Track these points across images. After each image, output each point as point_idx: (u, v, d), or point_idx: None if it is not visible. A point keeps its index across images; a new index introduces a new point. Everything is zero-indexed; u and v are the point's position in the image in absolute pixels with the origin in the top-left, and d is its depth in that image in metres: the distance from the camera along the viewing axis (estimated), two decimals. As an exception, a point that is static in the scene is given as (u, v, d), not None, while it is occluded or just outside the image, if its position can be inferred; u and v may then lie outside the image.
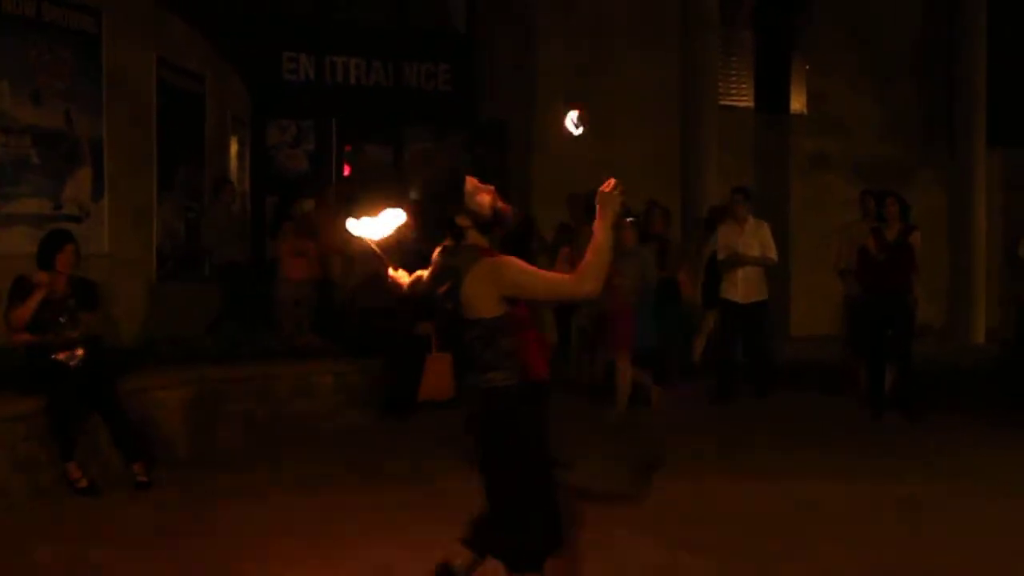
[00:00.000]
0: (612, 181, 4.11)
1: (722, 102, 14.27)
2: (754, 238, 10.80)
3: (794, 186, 14.96)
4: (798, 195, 14.88)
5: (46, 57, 9.19)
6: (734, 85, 14.83)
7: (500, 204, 4.27)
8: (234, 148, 13.41)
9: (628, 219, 9.53)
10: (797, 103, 15.24)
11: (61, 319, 7.50)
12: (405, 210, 4.59)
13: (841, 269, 10.98)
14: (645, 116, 13.81)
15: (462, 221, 4.19)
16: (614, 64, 13.78)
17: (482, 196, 4.23)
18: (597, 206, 4.11)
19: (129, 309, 10.16)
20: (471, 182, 4.25)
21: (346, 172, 14.04)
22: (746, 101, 14.95)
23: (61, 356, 7.43)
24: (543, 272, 4.24)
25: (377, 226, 4.59)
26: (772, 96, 15.21)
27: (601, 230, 4.08)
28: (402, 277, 4.66)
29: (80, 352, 7.50)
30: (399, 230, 4.61)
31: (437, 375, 9.70)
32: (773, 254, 10.82)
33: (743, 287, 10.81)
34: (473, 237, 4.22)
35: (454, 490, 7.29)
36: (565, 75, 13.50)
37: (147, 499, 7.27)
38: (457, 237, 4.21)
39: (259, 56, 13.58)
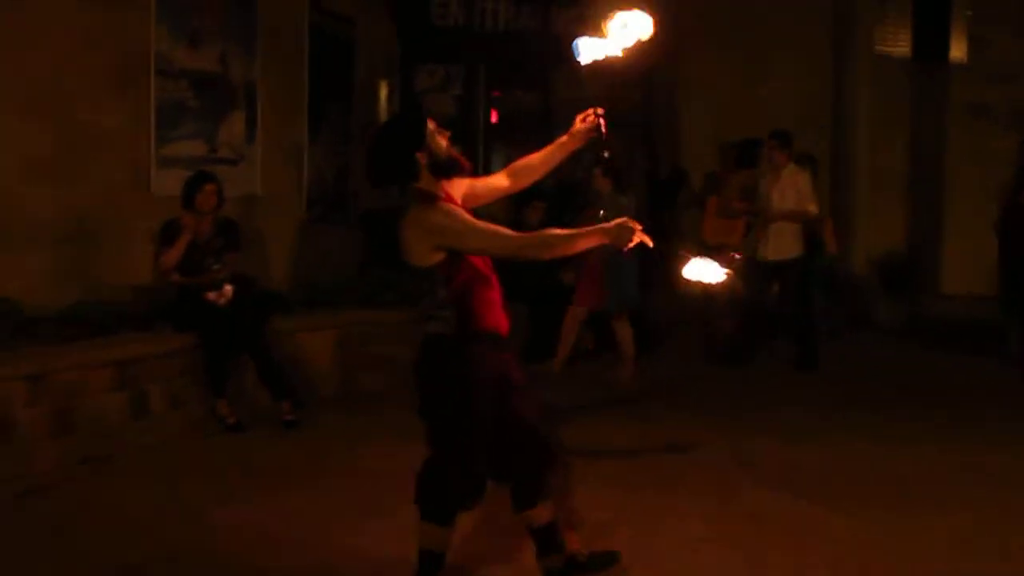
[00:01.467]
0: (634, 225, 4.08)
1: (877, 50, 13.82)
2: (791, 188, 9.92)
3: (952, 137, 14.39)
4: (956, 147, 14.32)
5: (203, 1, 9.36)
6: (890, 32, 14.32)
7: (455, 151, 4.24)
8: (383, 92, 13.51)
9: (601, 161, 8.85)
10: (957, 51, 14.63)
11: (210, 260, 7.74)
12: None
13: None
14: (796, 65, 13.45)
15: (421, 157, 4.14)
16: (764, 9, 13.43)
17: (441, 138, 4.20)
18: (606, 230, 4.09)
19: (280, 251, 10.37)
20: (431, 123, 4.22)
21: (494, 118, 14.02)
22: (903, 49, 14.44)
23: (211, 296, 7.65)
24: (484, 224, 4.13)
25: None
26: (930, 44, 14.65)
27: (587, 238, 4.10)
28: None
29: (229, 290, 7.70)
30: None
31: (577, 326, 9.71)
32: (811, 206, 9.92)
33: (773, 242, 9.95)
34: (426, 179, 4.16)
35: (605, 438, 7.39)
36: (714, 20, 13.22)
37: (294, 437, 7.48)
38: (413, 176, 4.16)
39: (409, 1, 13.61)
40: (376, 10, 12.73)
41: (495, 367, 4.24)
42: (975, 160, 13.95)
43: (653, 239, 4.12)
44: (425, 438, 4.33)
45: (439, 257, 4.08)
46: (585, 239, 4.10)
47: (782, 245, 9.91)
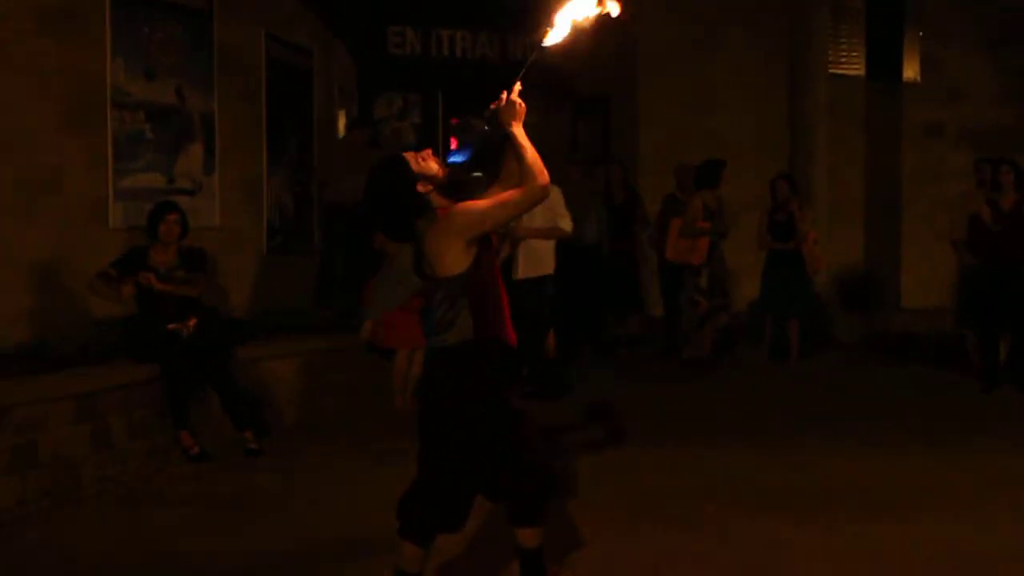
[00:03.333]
0: (505, 93, 4.23)
1: (832, 71, 13.97)
2: (540, 205, 9.49)
3: (906, 156, 14.58)
4: (911, 165, 14.51)
5: (159, 34, 9.37)
6: (844, 53, 14.50)
7: (454, 174, 4.29)
8: (341, 122, 13.53)
9: None
10: (910, 71, 14.84)
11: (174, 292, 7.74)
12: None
13: (955, 239, 10.70)
14: (752, 86, 13.60)
15: (423, 187, 4.16)
16: (720, 33, 13.56)
17: (427, 163, 4.21)
18: (507, 120, 4.22)
19: (240, 281, 10.35)
20: (409, 156, 4.22)
21: (453, 145, 14.06)
22: (857, 70, 14.61)
23: (173, 326, 7.62)
24: (495, 197, 4.25)
25: None
26: (884, 64, 14.84)
27: (522, 137, 4.20)
28: None
29: (192, 322, 7.68)
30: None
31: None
32: (564, 224, 9.21)
33: (523, 261, 9.33)
34: (437, 200, 4.18)
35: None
36: (670, 45, 13.35)
37: (258, 466, 7.43)
38: (427, 206, 4.17)
39: (366, 30, 13.64)
40: (333, 40, 12.77)
41: (510, 380, 4.30)
42: (930, 177, 14.15)
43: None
44: (419, 457, 4.27)
45: (472, 254, 4.11)
46: (525, 139, 4.20)
47: (532, 263, 9.37)
